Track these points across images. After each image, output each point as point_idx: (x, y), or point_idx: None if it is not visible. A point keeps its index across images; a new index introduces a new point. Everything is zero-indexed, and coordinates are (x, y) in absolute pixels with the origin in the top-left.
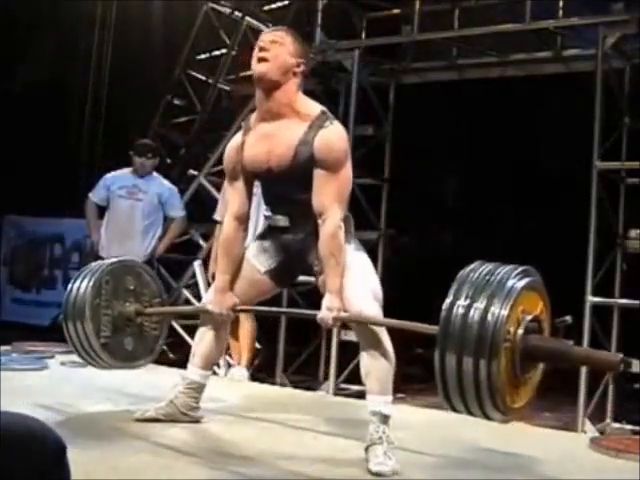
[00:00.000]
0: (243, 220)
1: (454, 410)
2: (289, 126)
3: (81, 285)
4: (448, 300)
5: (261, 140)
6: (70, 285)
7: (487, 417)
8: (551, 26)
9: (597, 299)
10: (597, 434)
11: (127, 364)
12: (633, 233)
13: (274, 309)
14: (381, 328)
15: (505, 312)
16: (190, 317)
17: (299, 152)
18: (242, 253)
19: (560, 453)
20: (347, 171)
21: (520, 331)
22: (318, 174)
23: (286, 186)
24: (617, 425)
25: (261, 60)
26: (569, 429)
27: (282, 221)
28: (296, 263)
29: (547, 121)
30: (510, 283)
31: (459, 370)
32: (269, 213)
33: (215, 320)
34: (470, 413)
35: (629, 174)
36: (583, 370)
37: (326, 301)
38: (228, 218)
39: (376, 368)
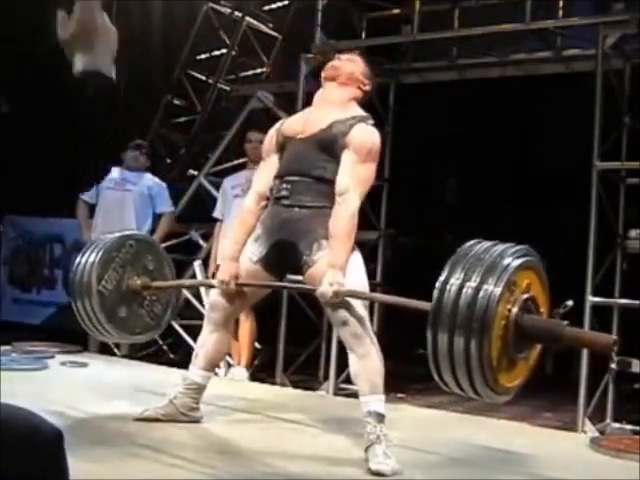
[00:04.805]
0: (265, 197)
1: (445, 386)
2: (334, 110)
3: (97, 247)
4: (442, 277)
5: (304, 115)
6: (84, 249)
7: (477, 393)
8: (551, 26)
9: (597, 299)
10: (597, 434)
11: (122, 333)
12: (633, 233)
13: (275, 284)
14: (365, 329)
15: (498, 289)
16: (191, 317)
17: (333, 125)
18: (255, 227)
19: (560, 453)
20: (373, 168)
21: (514, 309)
22: (348, 157)
23: (305, 152)
24: (617, 425)
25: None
26: (569, 429)
27: (284, 191)
28: (286, 248)
29: (547, 121)
30: (506, 261)
31: (450, 345)
32: (274, 184)
33: (223, 306)
34: (461, 389)
35: (629, 174)
36: (583, 370)
37: (328, 276)
38: (252, 192)
39: (363, 369)
